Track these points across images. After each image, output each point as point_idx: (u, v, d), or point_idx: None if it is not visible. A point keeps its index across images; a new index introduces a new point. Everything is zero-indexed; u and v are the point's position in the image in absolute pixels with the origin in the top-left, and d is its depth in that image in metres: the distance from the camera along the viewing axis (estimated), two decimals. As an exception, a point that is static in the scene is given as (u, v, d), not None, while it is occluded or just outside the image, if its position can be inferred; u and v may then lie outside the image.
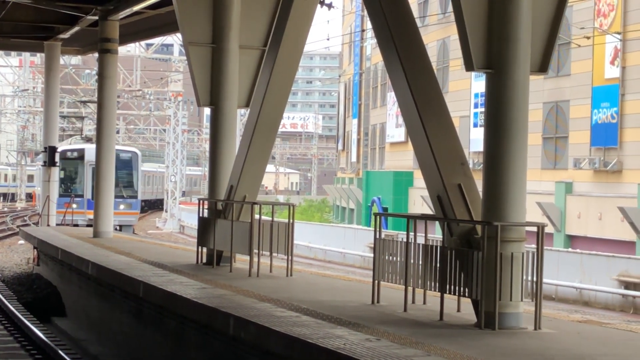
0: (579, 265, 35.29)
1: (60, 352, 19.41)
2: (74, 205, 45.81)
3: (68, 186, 48.54)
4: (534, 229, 12.92)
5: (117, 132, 72.31)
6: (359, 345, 11.27)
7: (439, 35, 54.22)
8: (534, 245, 12.79)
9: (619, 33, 39.76)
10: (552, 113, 44.36)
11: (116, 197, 43.10)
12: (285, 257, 18.86)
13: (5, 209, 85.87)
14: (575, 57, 42.50)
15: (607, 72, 40.82)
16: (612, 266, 34.13)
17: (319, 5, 20.09)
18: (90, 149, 45.39)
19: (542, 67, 13.24)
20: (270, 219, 19.06)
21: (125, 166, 49.78)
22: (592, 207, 40.91)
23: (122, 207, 48.56)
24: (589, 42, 39.17)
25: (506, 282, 12.59)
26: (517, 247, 12.71)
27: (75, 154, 49.04)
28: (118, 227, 43.81)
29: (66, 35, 35.44)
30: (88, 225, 38.49)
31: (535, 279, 12.71)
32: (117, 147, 56.82)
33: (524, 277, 12.70)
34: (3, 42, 39.33)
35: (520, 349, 11.43)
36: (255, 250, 18.98)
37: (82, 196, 48.15)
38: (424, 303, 14.60)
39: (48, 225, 36.45)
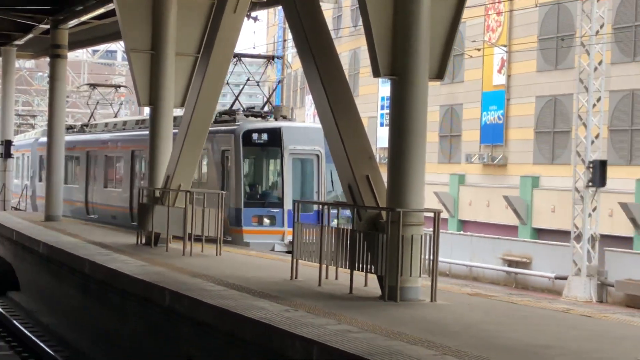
0: (470, 246, 35.72)
1: (14, 321, 19.20)
2: (266, 221, 22.57)
3: (255, 188, 23.16)
4: (432, 214, 13.05)
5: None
6: (278, 315, 11.30)
7: (350, 45, 54.35)
8: (431, 229, 12.92)
9: (505, 46, 40.22)
10: (447, 115, 44.75)
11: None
12: (216, 238, 18.83)
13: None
14: (467, 66, 42.92)
15: (495, 79, 41.28)
16: (498, 247, 34.59)
17: (245, 18, 20.02)
18: (289, 129, 22.95)
19: (439, 74, 13.36)
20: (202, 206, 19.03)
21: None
22: (481, 196, 41.38)
23: (336, 222, 19.01)
24: (480, 53, 39.58)
25: (407, 261, 12.71)
26: (416, 230, 12.83)
27: (266, 136, 22.72)
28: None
29: (21, 42, 34.99)
30: (288, 252, 20.04)
31: (431, 257, 12.84)
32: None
33: (422, 256, 12.83)
34: (-37, 47, 38.63)
35: (418, 318, 11.55)
36: (189, 232, 18.94)
37: (279, 205, 22.58)
38: (336, 279, 14.65)
39: (4, 209, 35.90)
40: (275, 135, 22.29)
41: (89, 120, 35.26)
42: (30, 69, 78.46)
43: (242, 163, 22.01)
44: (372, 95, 51.14)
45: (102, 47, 67.11)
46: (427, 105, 13.21)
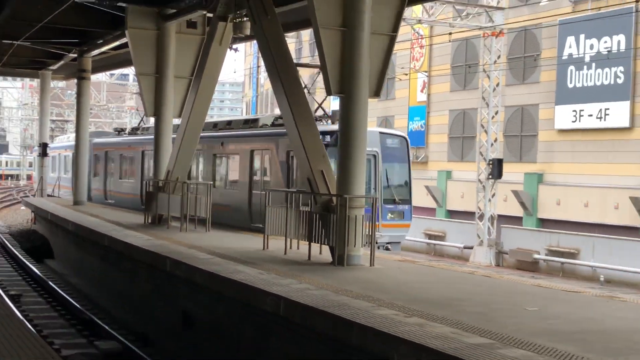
0: (399, 224, 35.75)
1: (49, 282, 18.98)
2: (390, 216, 19.40)
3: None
4: (370, 200, 13.06)
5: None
6: (255, 277, 11.28)
7: (309, 70, 54.26)
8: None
9: (426, 71, 40.40)
10: (382, 124, 44.84)
11: (384, 201, 19.51)
12: (206, 218, 18.73)
13: (12, 185, 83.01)
14: (398, 87, 43.05)
15: (418, 97, 41.46)
16: (421, 224, 34.77)
17: (228, 49, 19.92)
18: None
19: (377, 93, 13.40)
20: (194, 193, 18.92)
21: (394, 157, 19.76)
22: (408, 186, 41.49)
23: (390, 216, 19.56)
24: (407, 77, 39.73)
25: (352, 235, 12.75)
26: (359, 212, 12.86)
27: (329, 138, 18.39)
28: (385, 246, 19.37)
29: (55, 67, 34.56)
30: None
31: (370, 232, 12.88)
32: (381, 129, 21.03)
33: (363, 232, 12.86)
34: (10, 71, 38.18)
35: (361, 278, 11.58)
36: (185, 214, 18.82)
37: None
38: (298, 249, 14.68)
39: (42, 196, 35.45)
40: (337, 138, 16.66)
41: (139, 124, 32.74)
42: (61, 88, 77.49)
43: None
44: (326, 109, 51.03)
45: (117, 71, 66.31)
46: (367, 117, 13.23)
